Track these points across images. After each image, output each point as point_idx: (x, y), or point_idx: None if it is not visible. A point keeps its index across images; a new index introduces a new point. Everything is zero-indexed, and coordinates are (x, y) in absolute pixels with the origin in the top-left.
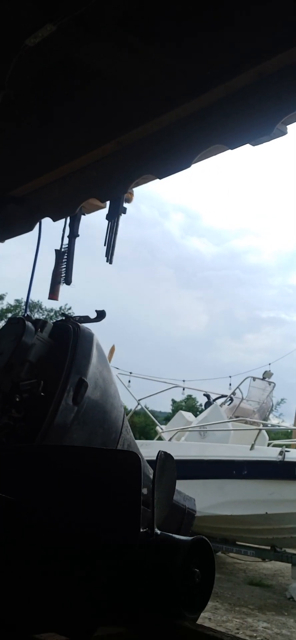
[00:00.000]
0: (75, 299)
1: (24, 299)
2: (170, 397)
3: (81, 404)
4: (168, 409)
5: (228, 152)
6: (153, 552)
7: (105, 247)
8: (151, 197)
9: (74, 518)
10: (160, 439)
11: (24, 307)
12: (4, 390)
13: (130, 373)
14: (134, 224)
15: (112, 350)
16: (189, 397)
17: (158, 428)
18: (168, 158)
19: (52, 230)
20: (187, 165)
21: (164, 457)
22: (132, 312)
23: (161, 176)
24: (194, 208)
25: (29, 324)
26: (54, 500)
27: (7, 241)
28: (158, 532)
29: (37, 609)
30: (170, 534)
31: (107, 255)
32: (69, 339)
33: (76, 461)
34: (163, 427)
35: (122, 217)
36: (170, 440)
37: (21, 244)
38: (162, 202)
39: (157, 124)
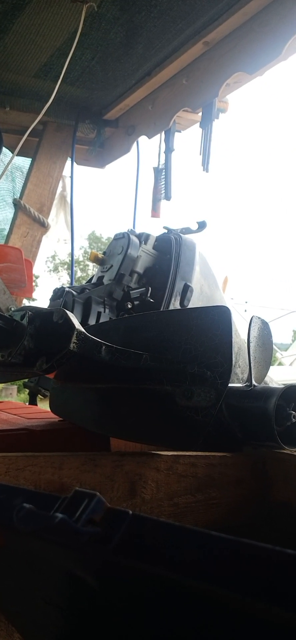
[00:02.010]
0: None
1: None
2: (292, 329)
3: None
4: (289, 340)
5: None
6: (252, 399)
7: (201, 155)
8: None
9: (183, 356)
10: (280, 364)
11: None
12: (116, 298)
13: (246, 302)
14: None
15: (225, 281)
16: None
17: (278, 354)
18: (258, 50)
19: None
20: (279, 52)
21: (259, 321)
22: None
23: (252, 71)
24: None
25: (133, 237)
26: (168, 345)
27: None
28: (256, 384)
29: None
30: (267, 386)
31: (203, 164)
32: (172, 249)
33: (182, 317)
34: (283, 352)
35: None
36: (290, 365)
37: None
38: None
39: (243, 15)
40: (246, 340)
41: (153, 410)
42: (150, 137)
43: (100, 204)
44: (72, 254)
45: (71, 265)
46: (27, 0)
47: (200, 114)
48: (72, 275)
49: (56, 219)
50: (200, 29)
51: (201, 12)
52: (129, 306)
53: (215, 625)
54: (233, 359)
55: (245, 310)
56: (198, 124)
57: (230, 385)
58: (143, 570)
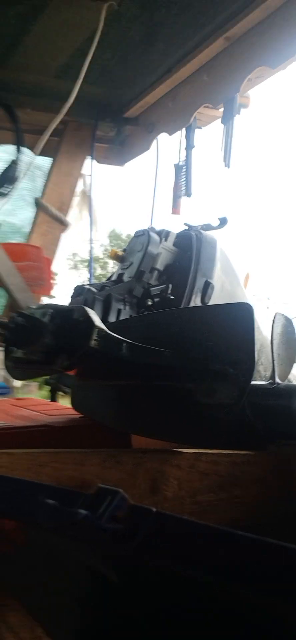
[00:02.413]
0: None
1: None
2: None
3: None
4: None
5: None
6: (275, 396)
7: (222, 151)
8: None
9: (207, 352)
10: None
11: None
12: (137, 295)
13: (268, 299)
14: None
15: (247, 277)
16: None
17: None
18: (281, 44)
19: None
20: None
21: (283, 318)
22: None
23: (274, 65)
24: None
25: (153, 234)
26: (190, 342)
27: None
28: (280, 382)
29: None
30: (291, 383)
31: (224, 160)
32: (192, 245)
33: (204, 314)
34: None
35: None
36: None
37: None
38: None
39: (264, 10)
40: (269, 337)
41: (175, 407)
42: (170, 134)
43: (120, 202)
44: (90, 252)
45: (90, 262)
46: (47, 0)
47: (221, 109)
48: (90, 273)
49: (80, 215)
50: (221, 24)
51: (222, 8)
52: (149, 303)
53: (241, 625)
54: (256, 356)
55: (268, 307)
56: (219, 120)
57: (253, 382)
58: (166, 568)
